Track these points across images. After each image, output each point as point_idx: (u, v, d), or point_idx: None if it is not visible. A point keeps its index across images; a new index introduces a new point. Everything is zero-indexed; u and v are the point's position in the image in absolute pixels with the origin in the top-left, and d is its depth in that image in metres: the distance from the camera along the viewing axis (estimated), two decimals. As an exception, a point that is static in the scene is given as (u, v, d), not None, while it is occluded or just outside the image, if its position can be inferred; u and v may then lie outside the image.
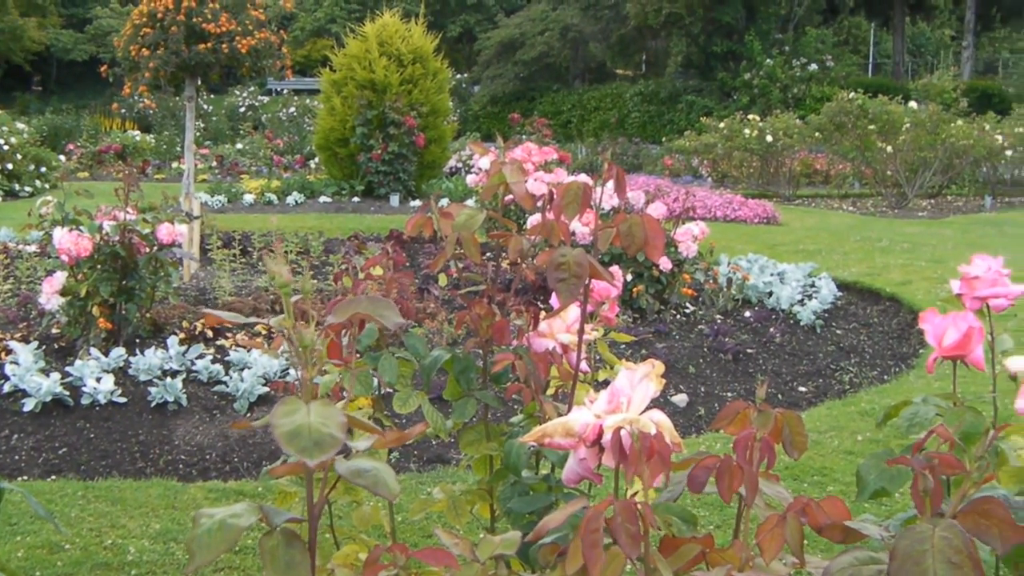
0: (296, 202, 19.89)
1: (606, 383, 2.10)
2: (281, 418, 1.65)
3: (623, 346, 8.38)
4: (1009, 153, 26.00)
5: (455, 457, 6.11)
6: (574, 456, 2.04)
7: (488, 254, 8.80)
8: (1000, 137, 25.50)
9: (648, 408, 2.01)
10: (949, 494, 2.27)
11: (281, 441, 1.61)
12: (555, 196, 2.53)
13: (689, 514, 2.12)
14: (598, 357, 3.38)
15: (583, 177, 2.65)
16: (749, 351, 8.70)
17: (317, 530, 1.88)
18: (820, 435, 6.49)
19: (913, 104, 26.88)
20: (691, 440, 6.48)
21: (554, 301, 2.97)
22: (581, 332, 2.75)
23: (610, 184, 2.62)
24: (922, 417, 2.64)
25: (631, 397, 1.99)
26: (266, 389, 7.04)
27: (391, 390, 3.07)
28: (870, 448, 6.08)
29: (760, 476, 1.99)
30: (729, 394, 7.60)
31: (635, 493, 1.98)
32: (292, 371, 7.09)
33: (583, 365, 2.91)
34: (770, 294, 10.69)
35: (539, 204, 2.79)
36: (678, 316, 9.90)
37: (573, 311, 2.88)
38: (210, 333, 8.34)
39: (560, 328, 2.94)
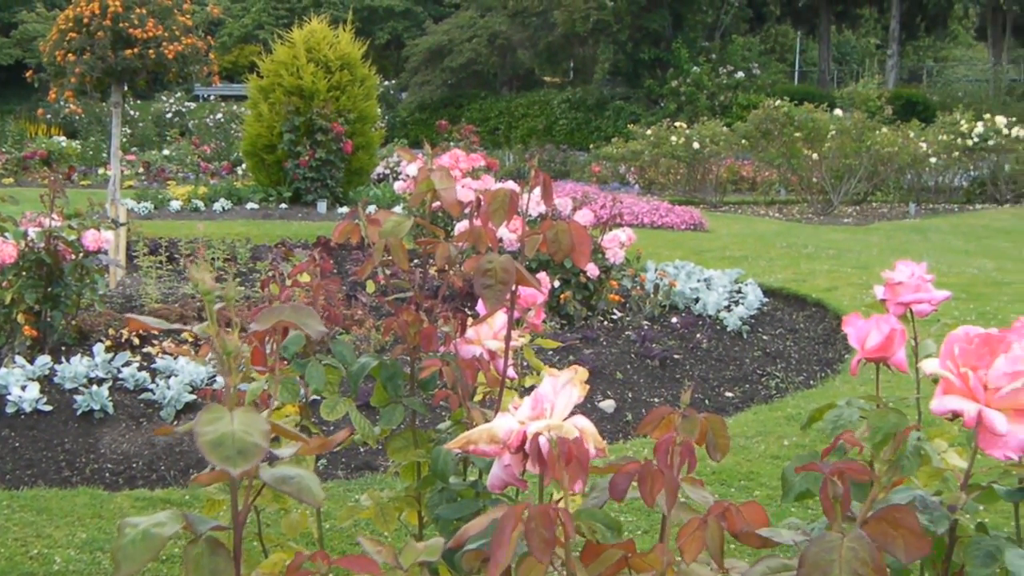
0: (223, 209, 19.80)
1: (533, 389, 2.10)
2: (204, 426, 1.64)
3: (551, 352, 8.40)
4: (933, 160, 26.24)
5: (383, 464, 6.09)
6: (499, 462, 2.04)
7: (416, 261, 8.77)
8: (924, 144, 25.76)
9: (574, 414, 2.01)
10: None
11: (204, 450, 1.60)
12: (482, 203, 2.53)
13: (613, 520, 2.12)
14: (526, 363, 3.39)
15: (510, 184, 2.66)
16: (676, 357, 8.73)
17: (244, 538, 1.87)
18: (747, 440, 6.52)
19: (838, 112, 27.12)
20: (619, 446, 6.49)
21: (481, 307, 2.97)
22: (508, 338, 2.75)
23: (537, 191, 2.63)
24: (846, 420, 2.66)
25: (554, 403, 2.00)
26: (193, 396, 7.00)
27: (319, 397, 3.07)
28: (796, 452, 6.11)
29: (684, 481, 2.00)
30: (656, 400, 7.62)
31: (559, 499, 1.98)
32: (219, 378, 7.06)
33: (510, 371, 2.92)
34: (697, 300, 10.73)
35: (467, 211, 2.79)
36: (605, 322, 9.93)
37: (500, 317, 2.88)
38: (137, 340, 8.28)
39: (487, 334, 2.94)
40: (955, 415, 2.14)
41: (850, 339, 2.69)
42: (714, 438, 2.06)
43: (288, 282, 3.26)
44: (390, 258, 2.75)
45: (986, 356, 2.13)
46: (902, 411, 2.50)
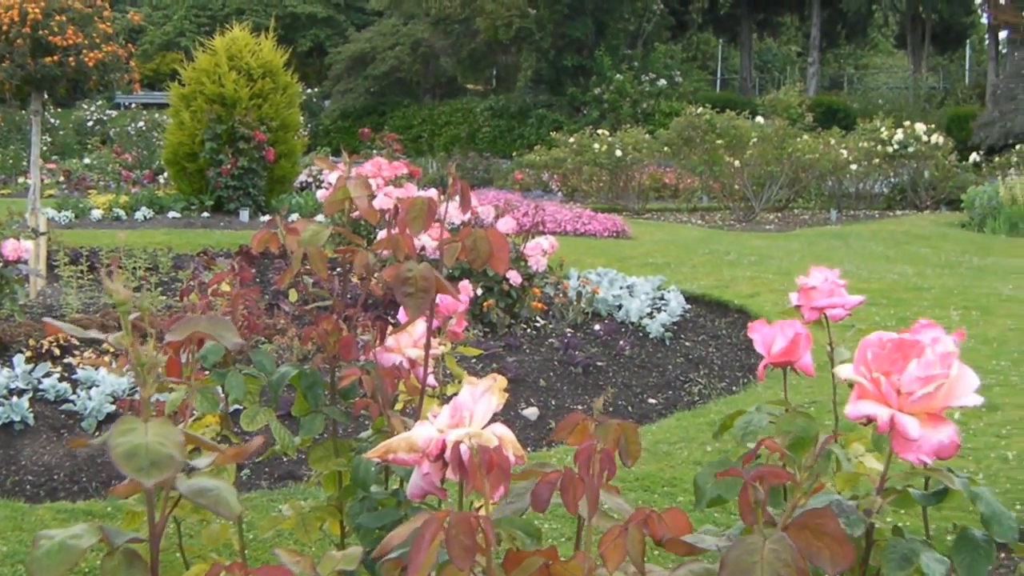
0: (145, 217, 19.65)
1: (454, 397, 2.10)
2: (118, 438, 1.63)
3: (474, 360, 8.39)
4: (854, 167, 26.45)
5: (307, 473, 6.06)
6: (418, 471, 2.04)
7: (339, 269, 8.74)
8: (845, 151, 25.97)
9: (495, 421, 2.01)
10: (786, 499, 2.31)
11: (118, 462, 1.59)
12: (400, 211, 2.53)
13: (533, 528, 2.13)
14: (447, 371, 3.39)
15: (432, 192, 2.66)
16: (599, 364, 8.75)
17: (165, 549, 1.86)
18: (670, 446, 6.54)
19: (760, 119, 27.29)
20: (543, 453, 6.50)
21: (403, 316, 2.97)
22: (427, 346, 2.75)
23: (470, 200, 2.64)
24: (756, 425, 2.68)
25: (473, 411, 2.00)
26: (115, 408, 6.95)
27: (240, 407, 3.05)
28: (719, 458, 6.15)
29: (601, 488, 2.00)
30: (579, 407, 7.63)
31: (480, 507, 1.98)
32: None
33: (431, 379, 2.92)
34: (620, 307, 10.75)
35: (388, 219, 2.79)
36: (528, 330, 9.94)
37: (420, 326, 2.88)
38: (57, 351, 8.21)
39: (407, 343, 2.94)
40: (870, 420, 2.16)
41: (756, 345, 2.72)
42: (626, 444, 2.06)
43: (209, 291, 3.24)
44: (311, 267, 2.75)
45: (899, 361, 2.15)
46: (811, 415, 2.53)
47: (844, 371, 2.26)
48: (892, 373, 2.15)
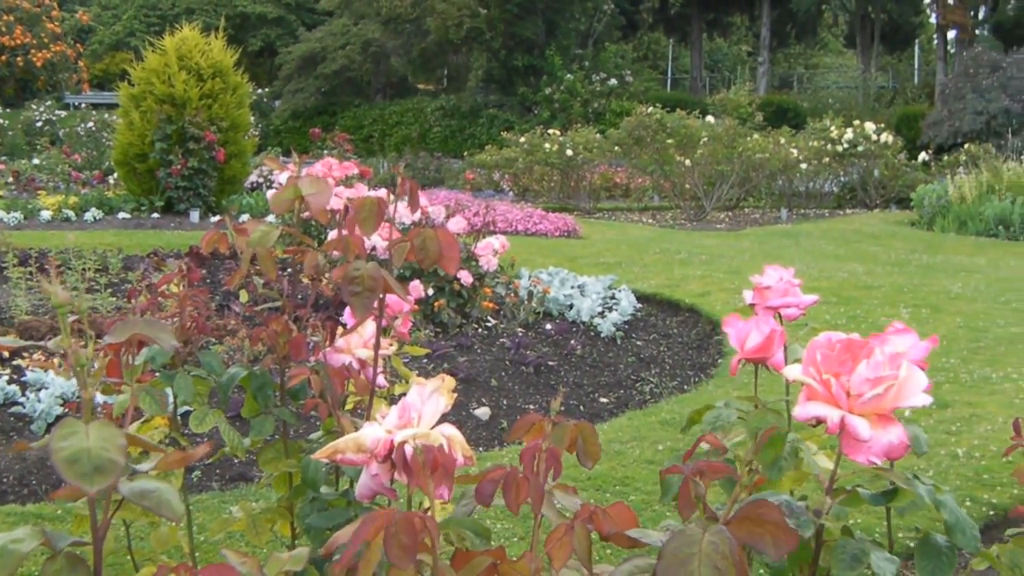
0: (95, 218, 19.53)
1: (403, 397, 2.10)
2: (60, 442, 1.61)
3: (425, 360, 8.39)
4: (804, 166, 26.53)
5: (257, 475, 6.04)
6: (367, 472, 2.03)
7: (290, 270, 8.70)
8: (795, 151, 26.05)
9: (444, 421, 2.01)
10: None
11: (60, 467, 1.58)
12: (350, 211, 2.51)
13: (482, 528, 2.12)
14: (395, 371, 3.38)
15: (382, 192, 2.64)
16: (551, 363, 8.75)
17: (115, 552, 1.84)
18: (622, 445, 6.54)
19: (710, 118, 27.35)
20: (495, 453, 6.49)
21: (349, 316, 2.96)
22: (377, 347, 2.74)
23: (419, 199, 2.63)
24: (724, 420, 2.69)
25: (422, 412, 1.99)
26: (64, 410, 6.90)
27: (191, 408, 3.04)
28: (671, 456, 6.15)
29: (557, 488, 2.00)
30: (531, 406, 7.63)
31: (427, 508, 1.98)
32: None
33: (381, 380, 2.90)
34: (571, 307, 10.76)
35: (339, 219, 2.78)
36: (480, 330, 9.93)
37: (371, 326, 2.87)
38: (6, 353, 8.15)
39: (357, 343, 2.93)
40: (819, 421, 2.16)
41: (730, 339, 2.72)
42: (584, 445, 2.06)
43: (157, 293, 3.22)
44: (261, 268, 2.73)
45: (848, 362, 2.15)
46: (781, 412, 2.53)
47: (792, 372, 2.26)
48: (842, 374, 2.15)
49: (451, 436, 1.95)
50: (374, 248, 8.40)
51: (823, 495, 2.41)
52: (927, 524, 4.82)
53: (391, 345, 3.09)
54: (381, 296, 2.55)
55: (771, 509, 1.85)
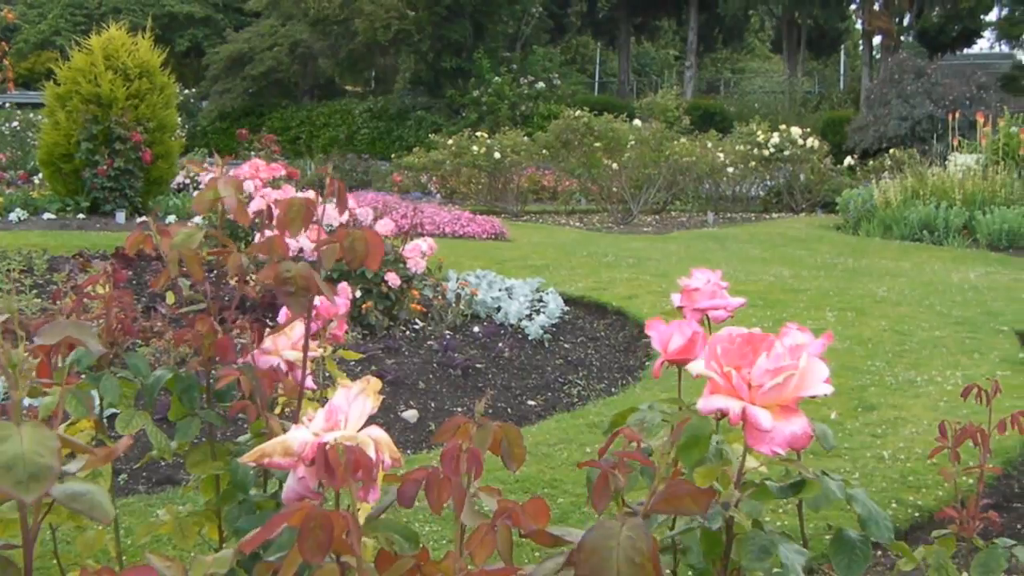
0: (19, 219, 19.35)
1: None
2: (-7, 445, 1.61)
3: (353, 363, 8.37)
4: (731, 170, 26.73)
5: (185, 478, 6.00)
6: (293, 475, 2.03)
7: (217, 271, 8.64)
8: (722, 155, 26.24)
9: (371, 424, 2.01)
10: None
11: (-5, 474, 1.57)
12: (278, 212, 2.51)
13: (410, 531, 2.12)
14: (329, 374, 3.37)
15: (310, 193, 2.65)
16: (478, 366, 8.75)
17: (40, 556, 1.83)
18: (550, 448, 6.55)
19: (637, 122, 27.47)
20: (423, 455, 6.49)
21: (283, 317, 2.96)
22: (306, 349, 2.74)
23: (347, 200, 2.63)
24: (649, 423, 2.70)
25: (348, 414, 2.00)
26: (-10, 411, 6.84)
27: (116, 411, 3.02)
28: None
29: (481, 490, 2.00)
30: (459, 409, 7.63)
31: (357, 510, 1.98)
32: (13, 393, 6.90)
33: (310, 382, 2.90)
34: (499, 309, 10.77)
35: (263, 220, 2.77)
36: (408, 332, 9.92)
37: (299, 328, 2.87)
38: (-73, 355, 8.06)
39: (285, 345, 2.92)
40: (723, 414, 2.19)
41: (653, 342, 2.73)
42: (509, 448, 2.06)
43: (82, 294, 3.20)
44: (187, 269, 2.73)
45: (749, 355, 2.18)
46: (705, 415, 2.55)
47: (696, 367, 2.29)
48: (743, 367, 2.18)
49: (378, 438, 1.95)
50: (301, 250, 8.38)
51: (730, 487, 2.43)
52: (844, 524, 4.86)
53: (320, 348, 3.09)
54: (313, 295, 2.55)
55: (684, 484, 1.89)
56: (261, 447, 1.99)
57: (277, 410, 3.08)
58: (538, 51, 51.04)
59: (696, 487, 1.87)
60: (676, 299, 2.98)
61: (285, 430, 2.43)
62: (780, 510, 5.21)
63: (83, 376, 3.00)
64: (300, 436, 1.98)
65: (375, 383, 2.08)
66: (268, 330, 2.98)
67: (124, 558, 3.90)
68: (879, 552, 4.81)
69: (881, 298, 12.28)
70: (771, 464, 2.45)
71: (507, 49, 49.55)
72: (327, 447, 1.90)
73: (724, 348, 2.22)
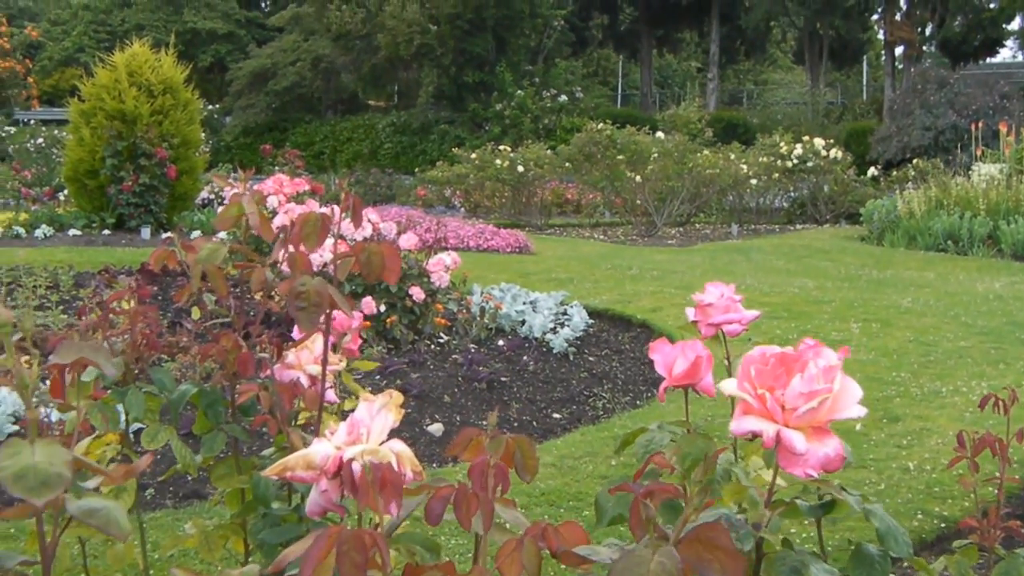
0: (45, 235, 19.42)
1: (352, 413, 2.10)
2: (6, 460, 1.62)
3: (378, 376, 8.38)
4: (754, 182, 26.67)
5: (211, 492, 6.01)
6: (316, 489, 2.03)
7: (243, 286, 8.65)
8: (745, 166, 26.18)
9: (395, 437, 2.02)
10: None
11: (7, 484, 1.58)
12: (295, 227, 2.52)
13: (432, 543, 2.13)
14: (344, 387, 3.38)
15: (335, 208, 2.65)
16: (503, 379, 8.75)
17: (70, 569, 1.85)
18: (575, 461, 6.54)
19: (660, 135, 27.44)
20: (448, 469, 6.48)
21: (297, 333, 2.97)
22: (324, 362, 2.74)
23: (363, 214, 2.63)
24: (657, 443, 2.69)
25: (371, 428, 2.00)
26: (17, 427, 6.86)
27: (143, 425, 3.03)
28: (624, 472, 6.16)
29: (498, 502, 2.01)
30: (484, 422, 7.63)
31: (377, 524, 1.98)
32: (43, 408, 6.93)
33: (331, 395, 2.91)
34: (523, 323, 10.77)
35: (285, 235, 2.78)
36: (432, 346, 9.92)
37: (320, 342, 2.88)
38: (-46, 371, 8.07)
39: (308, 359, 2.93)
40: (755, 436, 2.17)
41: (657, 366, 2.72)
42: (523, 459, 2.06)
43: (113, 308, 3.22)
44: (211, 284, 2.74)
45: (782, 376, 2.16)
46: (710, 436, 2.54)
47: (728, 387, 2.27)
48: (776, 388, 2.16)
49: (400, 452, 1.95)
50: (326, 264, 8.39)
51: (761, 508, 2.42)
52: (859, 536, 4.85)
53: (340, 361, 3.10)
54: (328, 311, 2.56)
55: (721, 534, 1.85)
56: (283, 461, 2.00)
57: (300, 422, 3.09)
58: (560, 64, 51.11)
59: (730, 552, 1.85)
60: (691, 314, 2.98)
61: (307, 443, 2.44)
62: (795, 521, 5.19)
63: (109, 391, 3.01)
64: (322, 450, 1.99)
65: (397, 396, 2.08)
66: (289, 344, 2.99)
67: (152, 572, 3.91)
68: (904, 564, 4.80)
69: (906, 309, 12.26)
70: (784, 475, 2.44)
71: (529, 62, 49.56)
72: (352, 462, 1.91)
73: (757, 369, 2.20)
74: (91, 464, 1.90)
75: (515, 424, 7.60)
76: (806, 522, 5.16)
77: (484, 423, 7.58)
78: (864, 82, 62.05)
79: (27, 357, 1.87)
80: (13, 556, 1.77)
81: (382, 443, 1.98)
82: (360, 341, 3.17)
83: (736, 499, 2.46)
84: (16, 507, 1.83)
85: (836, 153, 27.53)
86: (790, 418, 2.14)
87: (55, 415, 4.81)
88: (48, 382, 2.60)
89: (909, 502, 5.71)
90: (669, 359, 2.70)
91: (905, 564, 4.91)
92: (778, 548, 2.43)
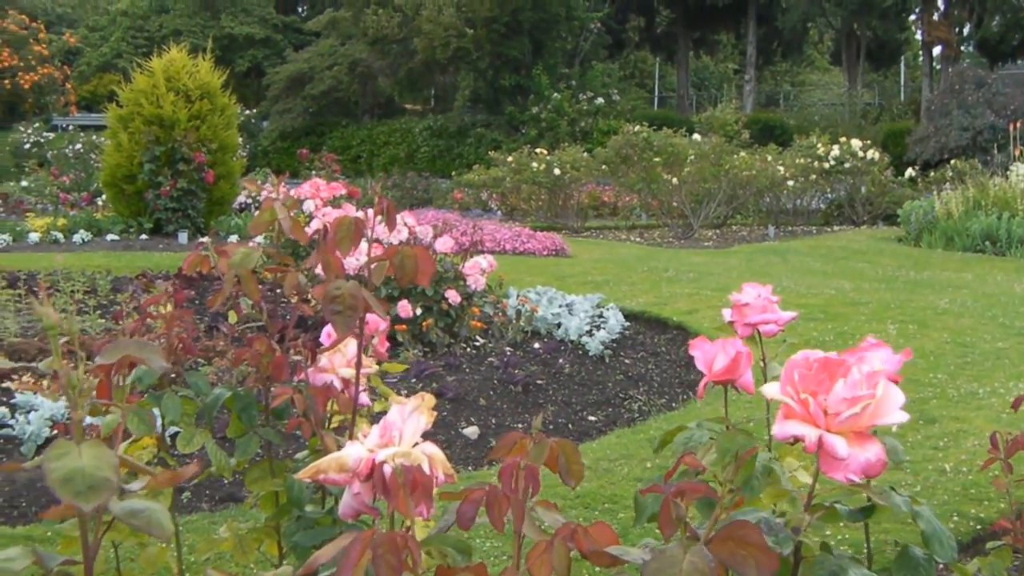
0: (83, 240, 19.52)
1: (384, 415, 2.11)
2: (53, 462, 1.63)
3: (414, 380, 8.39)
4: (791, 183, 26.59)
5: (246, 495, 6.03)
6: (349, 491, 2.05)
7: (278, 290, 8.68)
8: (782, 168, 26.11)
9: (429, 440, 2.03)
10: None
11: (55, 486, 1.60)
12: (329, 231, 2.54)
13: (463, 544, 2.14)
14: (375, 389, 3.40)
15: (370, 212, 2.67)
16: (539, 382, 8.75)
17: (100, 573, 1.86)
18: (611, 463, 6.54)
19: (697, 136, 27.40)
20: (483, 472, 6.49)
21: (325, 336, 2.98)
22: (358, 365, 2.76)
23: (398, 218, 2.65)
24: (696, 442, 2.69)
25: (403, 430, 2.01)
26: (53, 431, 6.89)
27: (179, 429, 3.05)
28: (660, 475, 6.15)
29: (539, 504, 2.01)
30: (520, 425, 7.63)
31: (409, 527, 1.99)
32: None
33: (365, 398, 2.92)
34: (559, 325, 10.77)
35: (319, 238, 2.80)
36: (468, 349, 9.93)
37: (353, 346, 2.89)
38: (-6, 376, 8.14)
39: (341, 362, 2.94)
40: (797, 440, 2.18)
41: (697, 362, 2.72)
42: (567, 464, 2.07)
43: (144, 313, 3.24)
44: (244, 289, 2.75)
45: (825, 381, 2.16)
46: (750, 432, 2.54)
47: (770, 390, 2.27)
48: (819, 393, 2.16)
49: (432, 455, 1.97)
50: (361, 268, 8.41)
51: (800, 511, 2.43)
52: (904, 538, 4.84)
53: (374, 364, 3.11)
54: (362, 315, 2.57)
55: (752, 531, 1.86)
56: (316, 464, 2.01)
57: (333, 425, 3.10)
58: (597, 67, 51.05)
59: (762, 549, 1.85)
60: (727, 314, 2.99)
61: (340, 446, 2.45)
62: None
63: (145, 395, 3.03)
64: (355, 452, 2.00)
65: (429, 399, 2.09)
66: (322, 347, 3.01)
67: (187, 574, 3.93)
68: (939, 564, 4.79)
69: (943, 310, 12.21)
70: (821, 477, 2.44)
71: (566, 65, 49.54)
72: (382, 464, 1.92)
73: (801, 373, 2.20)
74: (138, 465, 1.92)
75: (551, 427, 7.60)
76: (842, 524, 5.16)
77: (520, 426, 7.59)
78: (901, 83, 61.80)
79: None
80: (56, 557, 1.79)
81: (414, 446, 1.99)
82: (388, 344, 3.18)
83: (775, 501, 2.46)
84: (59, 508, 1.84)
85: (873, 154, 27.43)
86: (832, 423, 2.14)
87: (88, 419, 4.84)
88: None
89: (945, 504, 5.70)
90: (709, 355, 2.70)
91: (940, 565, 4.91)
92: (816, 552, 2.44)
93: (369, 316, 2.87)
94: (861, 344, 2.26)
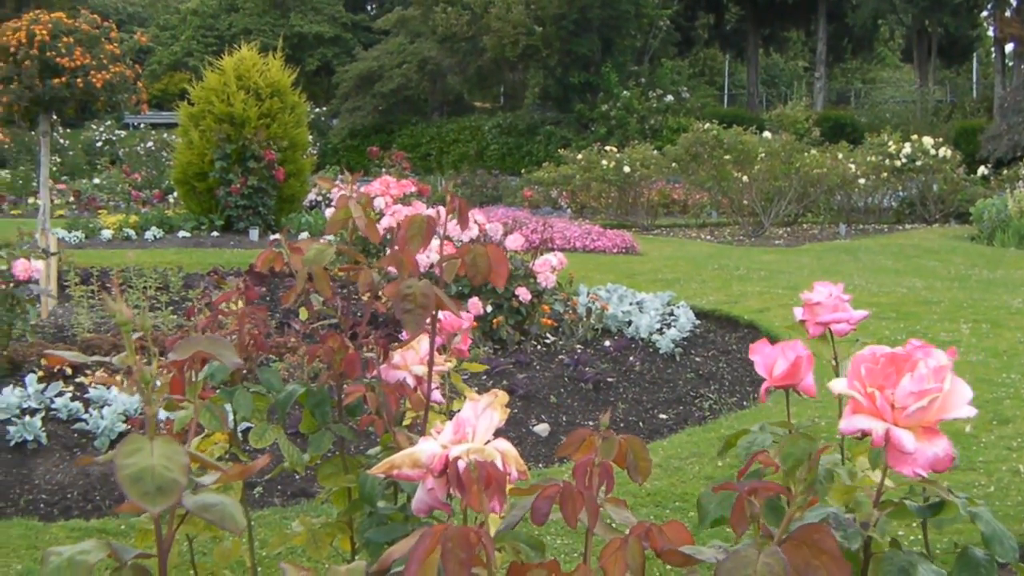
0: (155, 237, 19.66)
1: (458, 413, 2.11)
2: (124, 459, 1.63)
3: (484, 377, 8.39)
4: (862, 181, 26.46)
5: (318, 490, 6.05)
6: (422, 487, 2.05)
7: (350, 287, 8.69)
8: (853, 166, 25.96)
9: (501, 437, 2.03)
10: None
11: (124, 485, 1.60)
12: (400, 229, 2.54)
13: (536, 541, 2.13)
14: (455, 387, 3.39)
15: (441, 210, 2.67)
16: (609, 380, 8.74)
17: (177, 566, 1.87)
18: (681, 461, 6.53)
19: (767, 134, 27.28)
20: (554, 469, 6.49)
21: (405, 333, 2.98)
22: (431, 363, 2.76)
23: (469, 216, 2.65)
24: (759, 445, 2.69)
25: (476, 427, 2.01)
26: (127, 426, 6.94)
27: (251, 424, 3.06)
28: (730, 474, 6.13)
29: (608, 502, 2.01)
30: (590, 422, 7.62)
31: (482, 522, 1.99)
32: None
33: (437, 395, 2.92)
34: (629, 323, 10.75)
35: (393, 236, 2.81)
36: (539, 346, 9.93)
37: (427, 343, 2.89)
38: (69, 370, 8.18)
39: (414, 360, 2.94)
40: (864, 434, 2.16)
41: (757, 367, 2.70)
42: (635, 460, 2.06)
43: (216, 310, 3.25)
44: (316, 286, 2.76)
45: (892, 375, 2.15)
46: (812, 436, 2.53)
47: (838, 385, 2.26)
48: (886, 387, 2.15)
49: (505, 451, 1.96)
50: (432, 265, 8.44)
51: (870, 508, 2.41)
52: (967, 539, 4.80)
53: (447, 362, 3.11)
54: (434, 313, 2.57)
55: (826, 536, 1.84)
56: (390, 459, 2.01)
57: (406, 423, 3.10)
58: (666, 64, 50.88)
59: (835, 557, 1.83)
60: (798, 313, 2.97)
61: (412, 443, 2.45)
62: (903, 524, 5.15)
63: (217, 391, 3.04)
64: (428, 448, 2.00)
65: (502, 396, 2.09)
66: (396, 344, 3.01)
67: (259, 569, 3.95)
68: (1008, 566, 4.74)
69: (1017, 309, 12.11)
70: (891, 477, 2.42)
71: (635, 63, 49.41)
72: (456, 460, 1.92)
73: (868, 368, 2.19)
74: (208, 461, 1.92)
75: (621, 425, 7.59)
76: (914, 524, 5.12)
77: (591, 424, 7.58)
78: (974, 79, 61.27)
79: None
80: (130, 550, 1.80)
81: (487, 442, 1.98)
82: (469, 342, 3.18)
83: (843, 500, 2.45)
84: (131, 502, 1.85)
85: (945, 152, 27.24)
86: (899, 417, 2.13)
87: (162, 414, 4.88)
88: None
89: (1019, 505, 5.64)
90: (769, 360, 2.68)
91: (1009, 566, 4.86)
92: (886, 548, 2.42)
93: (448, 315, 2.87)
94: (906, 346, 2.24)
